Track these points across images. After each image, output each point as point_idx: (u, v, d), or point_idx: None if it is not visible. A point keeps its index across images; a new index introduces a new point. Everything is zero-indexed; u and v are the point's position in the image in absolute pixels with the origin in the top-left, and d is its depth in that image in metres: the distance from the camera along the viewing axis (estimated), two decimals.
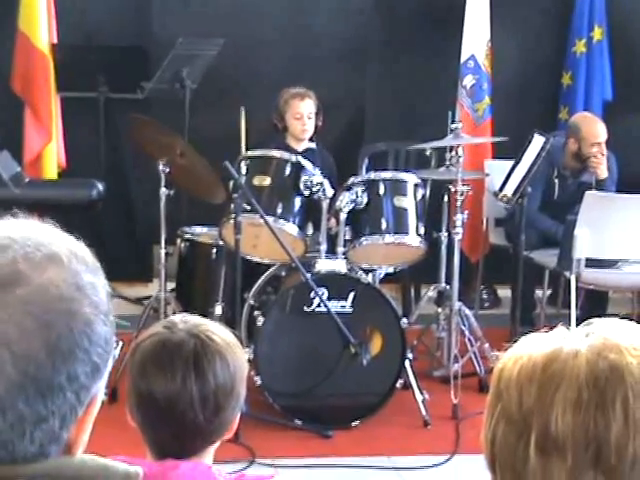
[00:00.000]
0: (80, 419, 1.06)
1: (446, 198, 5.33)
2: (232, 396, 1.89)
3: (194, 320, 1.96)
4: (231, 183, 4.73)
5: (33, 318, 0.99)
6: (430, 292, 5.52)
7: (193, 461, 1.86)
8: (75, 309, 1.02)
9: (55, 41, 6.18)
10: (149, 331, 1.96)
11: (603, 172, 5.76)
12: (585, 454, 1.10)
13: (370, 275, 5.07)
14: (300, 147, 5.45)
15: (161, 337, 1.91)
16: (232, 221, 4.62)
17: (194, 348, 1.87)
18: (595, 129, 5.72)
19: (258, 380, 4.63)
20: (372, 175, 4.97)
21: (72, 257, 1.05)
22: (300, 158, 4.91)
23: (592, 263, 5.37)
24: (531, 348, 1.18)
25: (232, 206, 4.63)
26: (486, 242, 6.39)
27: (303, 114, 5.40)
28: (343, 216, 4.80)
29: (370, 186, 4.88)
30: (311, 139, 5.51)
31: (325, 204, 4.81)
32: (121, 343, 1.17)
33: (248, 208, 4.61)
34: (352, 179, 4.92)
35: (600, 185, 5.66)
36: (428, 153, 6.18)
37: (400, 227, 4.88)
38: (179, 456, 1.85)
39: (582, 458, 1.10)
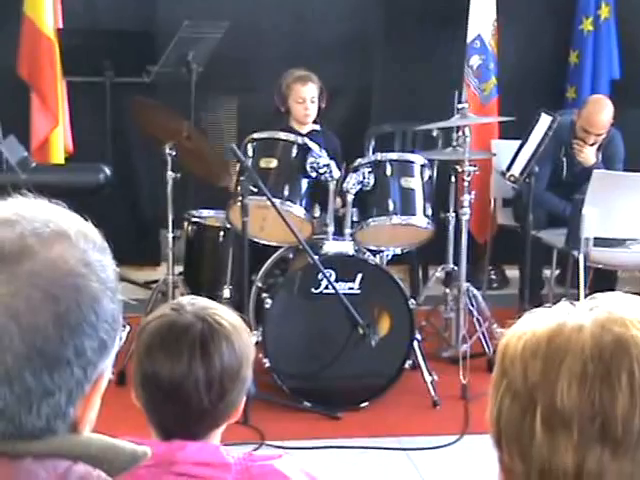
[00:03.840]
0: (87, 396, 1.06)
1: (453, 179, 5.33)
2: (238, 380, 1.88)
3: (202, 302, 1.95)
4: (238, 165, 4.73)
5: (41, 291, 1.00)
6: (438, 273, 5.52)
7: (200, 442, 1.87)
8: (83, 284, 1.03)
9: (61, 26, 6.17)
10: (157, 312, 1.96)
11: (586, 160, 5.70)
12: (591, 428, 1.10)
13: (378, 256, 5.07)
14: (304, 130, 5.43)
15: (168, 319, 1.91)
16: (239, 204, 4.62)
17: (201, 331, 1.87)
18: (594, 117, 5.62)
19: (267, 362, 4.64)
20: (379, 156, 4.96)
21: (80, 235, 1.06)
22: (307, 140, 4.91)
23: (600, 242, 5.37)
24: (535, 323, 1.18)
25: (239, 189, 4.63)
26: (494, 222, 6.38)
27: (306, 98, 5.37)
28: (350, 197, 4.80)
29: (377, 167, 4.88)
30: (315, 121, 5.49)
31: (332, 186, 4.80)
32: (128, 327, 1.17)
33: (255, 190, 4.60)
34: (359, 160, 4.92)
35: (586, 172, 5.50)
36: (435, 134, 6.19)
37: (407, 208, 4.88)
38: (184, 439, 1.85)
39: (588, 432, 1.10)
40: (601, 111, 5.64)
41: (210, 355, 1.85)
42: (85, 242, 1.06)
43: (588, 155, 5.68)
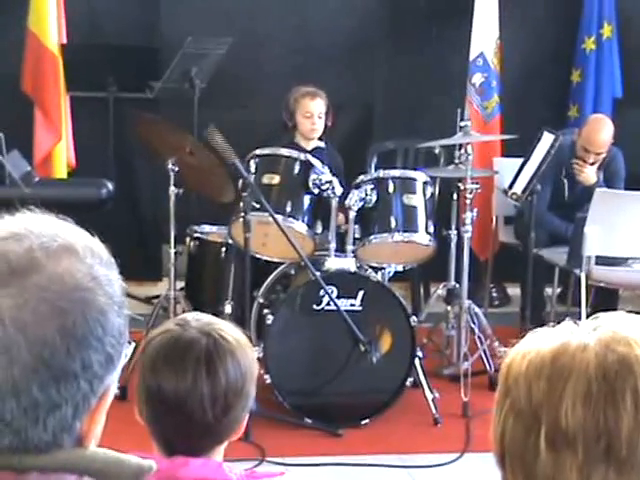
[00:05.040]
0: (93, 410, 1.07)
1: (455, 196, 5.32)
2: (242, 395, 1.88)
3: (206, 318, 1.96)
4: (240, 181, 4.73)
5: (48, 304, 1.01)
6: (440, 290, 5.51)
7: (203, 458, 1.86)
8: (90, 298, 1.03)
9: (65, 41, 6.19)
10: (161, 328, 1.96)
11: (586, 180, 5.70)
12: (596, 447, 1.10)
13: (379, 273, 5.07)
14: (309, 146, 5.44)
15: (173, 334, 1.91)
16: (241, 219, 4.62)
17: (206, 346, 1.87)
18: (594, 136, 5.64)
19: (268, 379, 4.63)
20: (381, 173, 4.97)
21: (87, 250, 1.07)
22: (309, 156, 4.92)
23: (602, 261, 5.36)
24: (539, 343, 1.18)
25: (241, 204, 4.63)
26: (495, 240, 6.38)
27: (313, 113, 5.37)
28: (352, 214, 4.80)
29: (379, 184, 4.88)
30: (320, 138, 5.50)
31: (334, 202, 4.81)
32: (133, 343, 1.17)
33: (257, 206, 4.61)
34: (361, 177, 4.92)
35: (587, 192, 5.51)
36: (437, 151, 6.20)
37: (409, 225, 4.88)
38: (187, 454, 1.85)
39: (593, 451, 1.10)
40: (601, 130, 5.65)
41: (215, 370, 1.85)
42: (92, 257, 1.06)
43: (588, 175, 5.68)
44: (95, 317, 1.03)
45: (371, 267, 5.00)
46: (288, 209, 4.78)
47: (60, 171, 6.15)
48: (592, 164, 5.69)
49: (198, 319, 1.94)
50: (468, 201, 5.09)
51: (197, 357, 1.86)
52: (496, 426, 1.19)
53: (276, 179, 4.84)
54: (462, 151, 5.13)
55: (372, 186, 4.85)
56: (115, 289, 1.07)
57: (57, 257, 1.03)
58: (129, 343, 1.12)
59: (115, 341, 1.06)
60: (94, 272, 1.05)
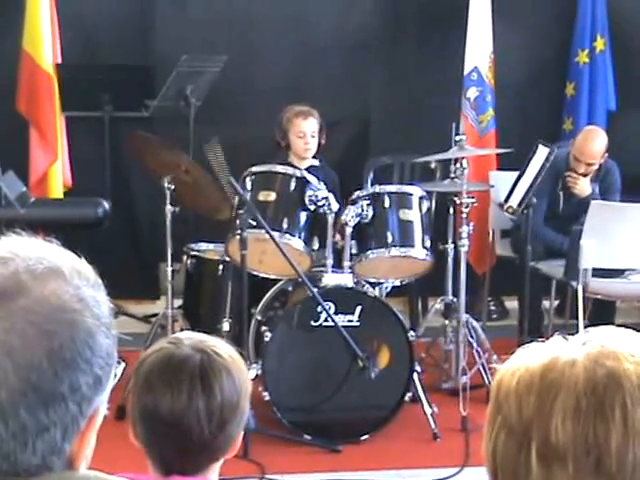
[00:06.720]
0: (82, 432, 1.06)
1: (452, 210, 5.33)
2: (237, 411, 1.89)
3: (198, 336, 1.97)
4: (236, 199, 4.74)
5: (35, 327, 1.00)
6: (437, 304, 5.51)
7: (199, 478, 1.86)
8: (77, 319, 1.03)
9: (59, 61, 6.20)
10: (154, 347, 1.97)
11: (581, 192, 5.71)
12: (586, 462, 1.10)
13: (377, 288, 5.07)
14: (303, 165, 5.42)
15: (166, 352, 1.91)
16: (238, 237, 4.62)
17: (200, 363, 1.88)
18: (585, 146, 5.64)
19: (266, 396, 4.62)
20: (377, 188, 4.98)
21: (74, 272, 1.06)
22: (305, 173, 4.92)
23: (599, 273, 5.36)
24: (528, 359, 1.18)
25: (238, 222, 4.64)
26: (492, 253, 6.38)
27: (306, 133, 5.37)
28: (349, 230, 4.80)
29: (375, 200, 4.89)
30: (314, 156, 5.50)
31: (330, 218, 4.81)
32: (123, 363, 1.17)
33: (254, 224, 4.61)
34: (357, 193, 4.93)
35: (583, 204, 5.50)
36: (433, 166, 6.21)
37: (406, 240, 4.89)
38: (183, 473, 1.85)
39: (583, 466, 1.10)
40: (592, 140, 5.65)
41: (211, 386, 1.86)
42: (79, 278, 1.06)
43: (583, 187, 5.69)
44: (83, 339, 1.03)
45: (368, 282, 5.00)
46: (285, 226, 4.78)
47: (56, 191, 6.15)
48: (584, 175, 5.68)
49: (190, 337, 1.95)
50: (464, 215, 5.10)
51: (192, 373, 1.86)
52: (488, 443, 1.19)
53: (272, 196, 4.84)
54: (458, 165, 5.14)
55: (368, 202, 4.86)
56: (103, 310, 1.07)
57: (43, 280, 1.03)
58: (119, 363, 1.12)
59: (103, 362, 1.06)
60: (81, 294, 1.05)
